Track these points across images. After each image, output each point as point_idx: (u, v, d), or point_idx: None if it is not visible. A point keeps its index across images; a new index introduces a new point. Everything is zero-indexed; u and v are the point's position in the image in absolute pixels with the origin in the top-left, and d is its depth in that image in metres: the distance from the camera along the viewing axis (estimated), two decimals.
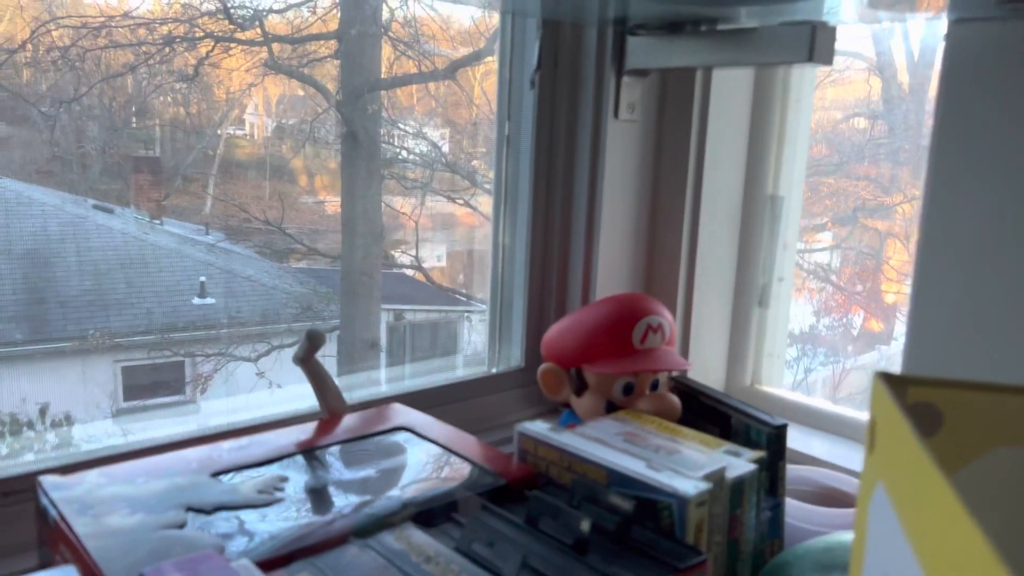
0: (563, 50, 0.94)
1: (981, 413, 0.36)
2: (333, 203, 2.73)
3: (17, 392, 1.96)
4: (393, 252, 2.75)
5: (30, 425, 1.92)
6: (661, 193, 0.99)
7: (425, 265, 3.00)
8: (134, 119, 2.52)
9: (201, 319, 2.59)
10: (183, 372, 2.50)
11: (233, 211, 2.78)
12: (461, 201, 2.71)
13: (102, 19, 2.22)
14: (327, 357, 2.54)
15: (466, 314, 2.83)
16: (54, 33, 2.12)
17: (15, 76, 2.12)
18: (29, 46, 2.07)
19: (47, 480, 0.61)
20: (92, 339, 2.34)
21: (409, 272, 2.94)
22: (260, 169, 2.77)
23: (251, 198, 2.73)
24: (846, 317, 2.35)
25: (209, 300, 2.59)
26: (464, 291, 2.97)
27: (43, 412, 2.03)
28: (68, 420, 2.13)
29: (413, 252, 2.84)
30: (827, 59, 0.79)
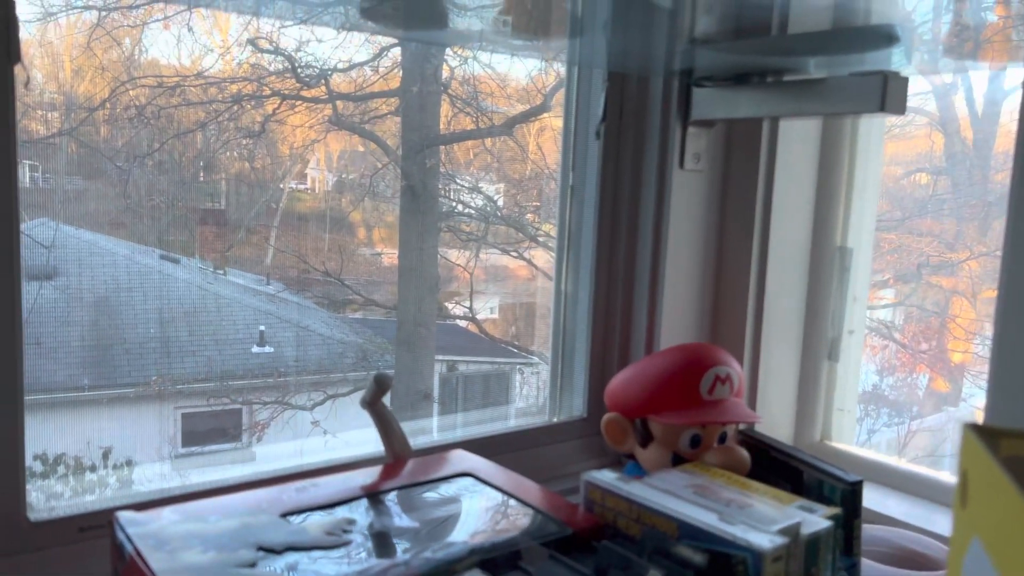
0: (628, 101, 0.95)
1: None
2: (390, 255, 2.78)
3: (82, 436, 2.01)
4: (447, 303, 2.78)
5: (93, 468, 1.96)
6: (727, 243, 0.98)
7: (479, 317, 3.01)
8: (201, 173, 2.63)
9: (259, 367, 2.64)
10: (240, 419, 2.54)
11: (293, 262, 2.85)
12: (515, 254, 2.73)
13: (177, 78, 2.34)
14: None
15: (518, 366, 2.82)
16: (131, 92, 2.23)
17: (94, 133, 2.24)
18: (107, 104, 2.18)
19: (123, 516, 0.62)
20: (154, 385, 2.40)
21: (462, 323, 2.96)
22: (320, 222, 2.84)
23: (311, 250, 2.80)
24: (911, 376, 2.28)
25: (268, 349, 2.64)
26: (517, 343, 2.98)
27: (106, 455, 2.07)
28: (129, 464, 2.17)
29: (467, 304, 2.86)
30: (900, 109, 0.78)
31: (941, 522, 0.90)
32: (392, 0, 0.79)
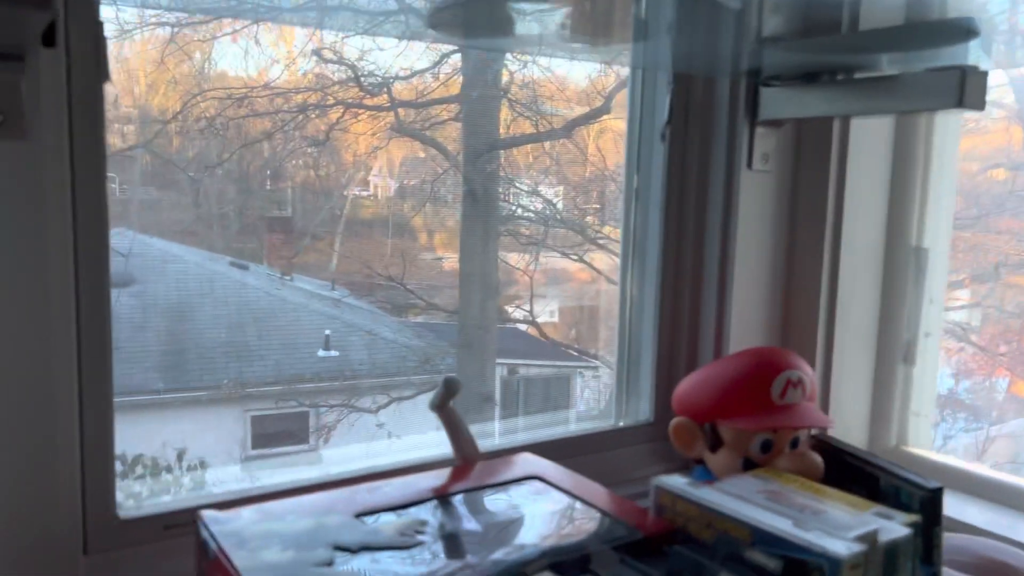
0: (694, 102, 0.95)
1: None
2: (450, 260, 2.81)
3: (158, 437, 2.08)
4: (507, 307, 2.80)
5: (168, 469, 2.03)
6: (798, 244, 0.97)
7: (539, 320, 3.02)
8: (268, 182, 2.70)
9: (325, 371, 2.70)
10: (307, 422, 2.60)
11: (357, 268, 2.91)
12: (575, 256, 2.73)
13: (245, 90, 2.41)
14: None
15: (579, 370, 2.82)
16: (201, 104, 2.31)
17: (167, 144, 2.32)
18: (179, 117, 2.26)
19: (207, 514, 0.64)
20: (225, 388, 2.47)
21: (523, 327, 2.97)
22: (383, 228, 2.89)
23: (374, 255, 2.85)
24: (989, 380, 2.20)
25: (333, 353, 2.70)
26: (577, 346, 2.98)
27: (180, 457, 2.14)
28: (202, 465, 2.24)
29: (527, 307, 2.87)
30: (979, 104, 0.76)
31: None
32: (453, 8, 0.80)
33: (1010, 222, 1.71)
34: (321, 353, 2.71)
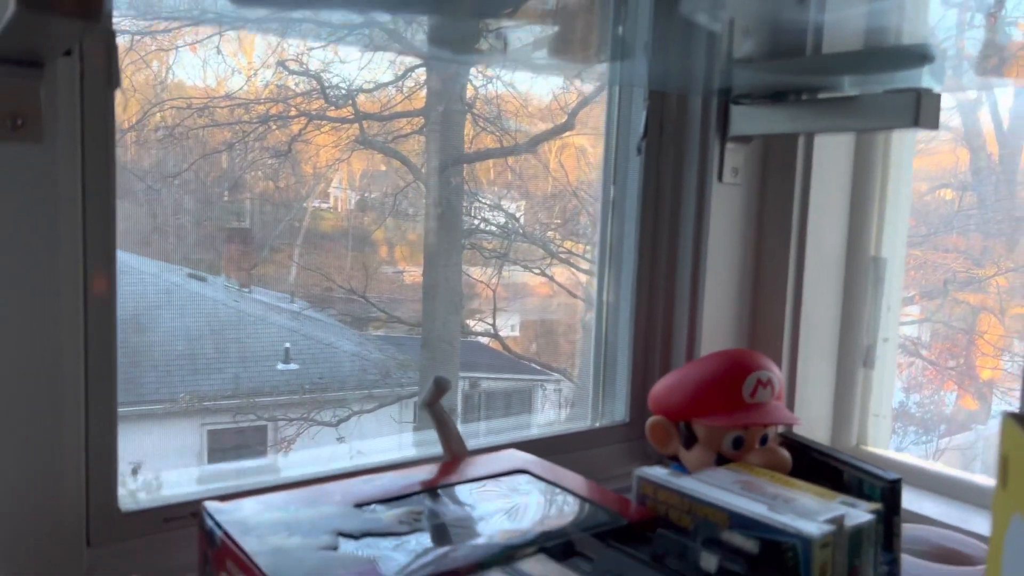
0: (668, 118, 1.00)
1: None
2: (412, 273, 2.82)
3: (118, 455, 2.04)
4: (469, 321, 2.81)
5: (123, 484, 1.99)
6: (764, 253, 1.02)
7: (501, 333, 3.04)
8: (227, 193, 2.69)
9: (285, 384, 2.67)
10: (266, 436, 2.57)
11: (317, 280, 2.90)
12: (537, 270, 2.76)
13: (205, 100, 2.40)
14: (404, 424, 2.59)
15: (540, 383, 2.85)
16: (159, 115, 2.29)
17: (123, 154, 2.30)
18: (137, 125, 2.24)
19: (211, 505, 0.66)
20: (181, 402, 2.44)
21: (485, 340, 2.98)
22: (343, 240, 2.89)
23: (334, 268, 2.84)
24: (938, 394, 2.27)
25: (293, 366, 2.68)
26: (539, 360, 3.00)
27: (135, 472, 2.11)
28: (158, 481, 2.20)
29: (489, 320, 2.89)
30: (933, 124, 0.82)
31: (977, 521, 0.93)
32: (439, 24, 0.84)
33: (957, 240, 1.78)
34: (280, 366, 2.68)
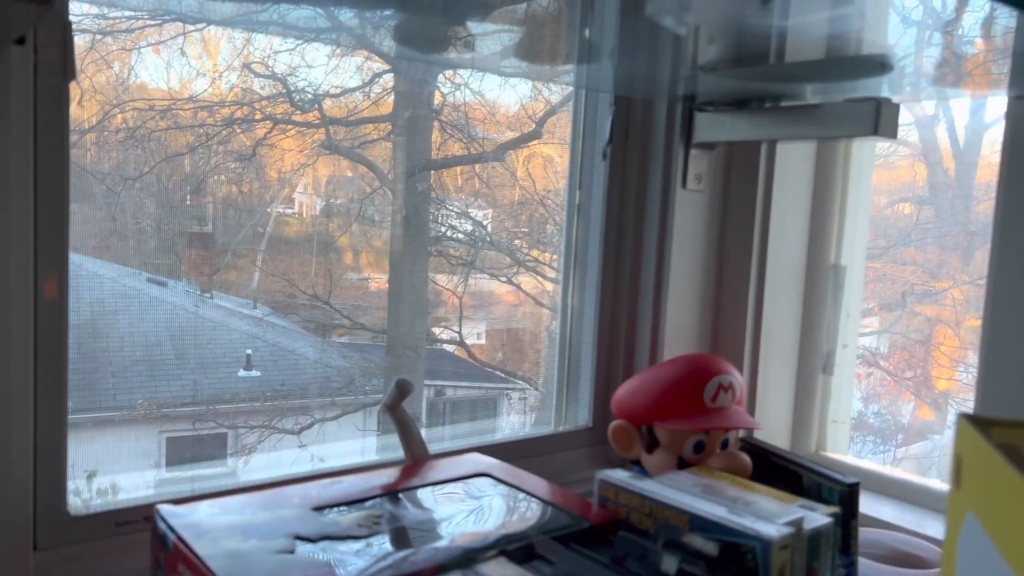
0: (634, 124, 1.00)
1: None
2: (377, 280, 2.80)
3: (67, 459, 1.99)
4: (435, 328, 2.80)
5: (77, 492, 1.95)
6: (727, 259, 1.03)
7: (467, 342, 3.03)
8: (189, 197, 2.64)
9: (246, 391, 2.63)
10: (226, 444, 2.53)
11: (280, 286, 2.86)
12: (504, 279, 2.76)
13: (168, 102, 2.36)
14: (368, 432, 2.56)
15: (506, 391, 2.84)
16: (120, 116, 2.25)
17: (82, 155, 2.25)
18: (97, 127, 2.20)
19: (164, 508, 0.64)
20: (140, 408, 2.39)
21: (451, 348, 2.97)
22: (307, 246, 2.86)
23: (298, 274, 2.81)
24: (895, 404, 2.30)
25: (254, 372, 2.64)
26: (504, 368, 2.99)
27: (90, 479, 2.06)
28: (114, 488, 2.16)
29: (456, 328, 2.88)
30: (892, 133, 0.84)
31: (932, 525, 0.94)
32: (404, 24, 0.83)
33: (915, 253, 1.81)
34: (242, 373, 2.64)
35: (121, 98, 2.29)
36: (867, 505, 0.97)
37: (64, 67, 0.64)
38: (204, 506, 0.66)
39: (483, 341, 3.01)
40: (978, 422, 0.38)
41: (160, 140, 2.38)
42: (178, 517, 0.63)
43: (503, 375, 2.92)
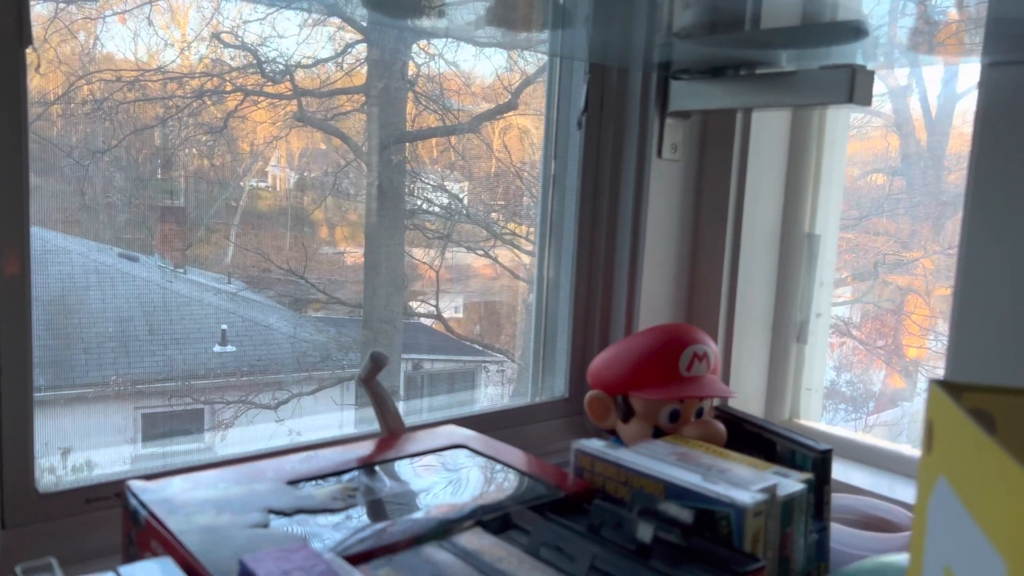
0: (609, 93, 0.99)
1: None
2: (353, 254, 2.78)
3: (40, 436, 1.97)
4: (412, 302, 2.79)
5: (51, 470, 1.93)
6: (702, 229, 1.03)
7: (444, 315, 3.02)
8: (160, 170, 2.59)
9: (221, 367, 2.61)
10: (203, 419, 2.51)
11: (255, 261, 2.83)
12: (481, 252, 2.75)
13: (136, 73, 2.31)
14: (347, 406, 2.56)
15: (484, 364, 2.84)
16: (86, 88, 2.19)
17: (48, 128, 2.19)
18: (63, 99, 2.14)
19: (135, 484, 0.63)
20: (114, 385, 2.36)
21: (428, 322, 2.96)
22: (282, 220, 2.83)
23: (272, 248, 2.78)
24: (867, 372, 2.33)
25: (230, 348, 2.61)
26: (482, 342, 2.99)
27: (64, 456, 2.05)
28: (89, 465, 2.14)
29: (433, 302, 2.87)
30: (866, 100, 0.84)
31: (903, 490, 0.96)
32: None
33: (887, 224, 1.82)
34: (217, 348, 2.62)
35: (87, 69, 2.24)
36: (839, 471, 0.99)
37: (20, 31, 0.61)
38: (176, 481, 0.65)
39: (460, 314, 3.00)
40: (950, 387, 0.38)
41: (129, 112, 2.33)
42: (150, 493, 0.62)
43: (481, 348, 2.93)
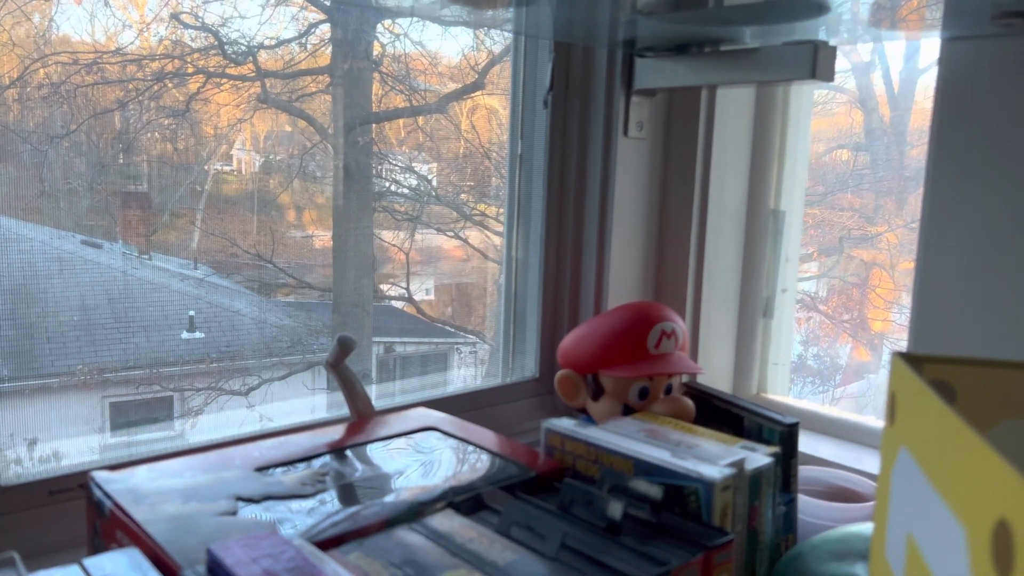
0: (574, 71, 0.99)
1: (990, 389, 0.39)
2: (321, 237, 2.75)
3: (5, 428, 1.94)
4: (383, 285, 2.77)
5: (18, 461, 1.90)
6: (669, 207, 1.03)
7: (415, 298, 3.00)
8: (121, 155, 2.54)
9: (190, 353, 2.58)
10: (172, 407, 2.48)
11: (221, 246, 2.79)
12: (451, 233, 2.74)
13: (94, 55, 2.25)
14: (318, 391, 2.55)
15: (456, 346, 2.84)
16: (43, 71, 2.14)
17: (3, 113, 2.14)
18: (18, 83, 2.09)
19: (99, 475, 0.62)
20: (80, 374, 2.32)
21: (399, 304, 2.95)
22: (248, 204, 2.79)
23: (239, 233, 2.74)
24: (833, 346, 2.35)
25: (198, 334, 2.58)
26: (454, 323, 2.99)
27: (30, 447, 2.01)
28: (56, 456, 2.10)
29: (403, 285, 2.85)
30: (828, 76, 0.84)
31: (868, 461, 0.97)
32: None
33: (852, 199, 1.84)
34: (185, 335, 2.59)
35: (43, 51, 2.18)
36: (806, 444, 1.00)
37: None
38: (142, 471, 0.64)
39: (432, 296, 2.99)
40: (911, 359, 0.39)
41: (87, 96, 2.28)
42: (114, 483, 0.61)
43: (452, 329, 2.92)
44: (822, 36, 0.87)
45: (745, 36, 0.88)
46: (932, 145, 0.88)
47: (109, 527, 0.59)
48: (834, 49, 0.85)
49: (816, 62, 0.83)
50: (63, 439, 2.20)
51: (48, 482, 0.66)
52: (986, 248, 0.84)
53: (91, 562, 0.51)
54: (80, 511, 0.61)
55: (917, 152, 1.60)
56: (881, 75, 1.65)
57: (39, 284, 2.39)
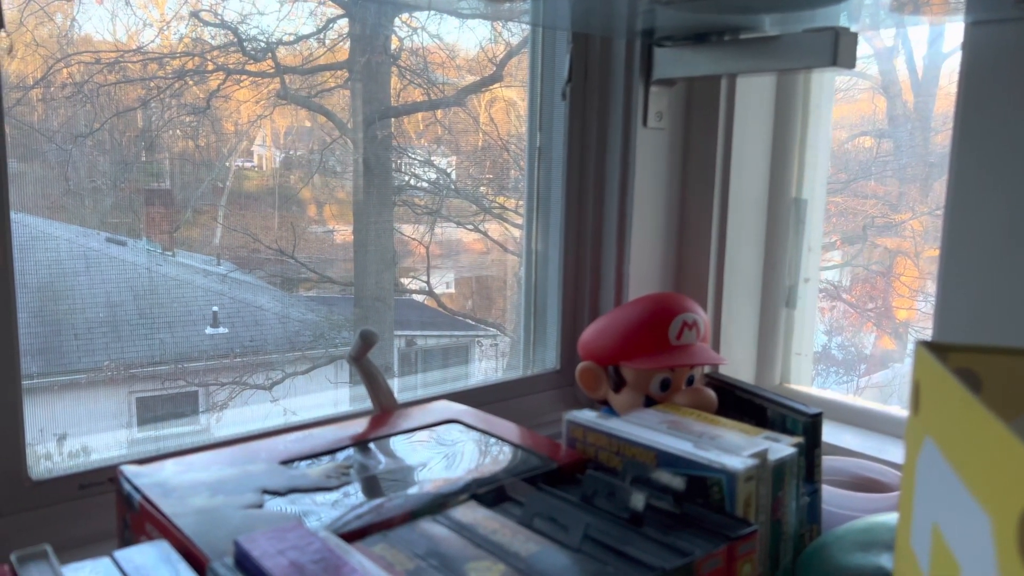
0: (593, 62, 0.98)
1: (1016, 377, 0.39)
2: (342, 232, 2.76)
3: (35, 424, 1.97)
4: (403, 279, 2.78)
5: (48, 456, 1.93)
6: (689, 197, 1.03)
7: (436, 291, 3.01)
8: (144, 153, 2.57)
9: (214, 349, 2.61)
10: (197, 402, 2.51)
11: (243, 241, 2.82)
12: (470, 226, 2.74)
13: (116, 53, 2.27)
14: (341, 385, 2.57)
15: (477, 339, 2.85)
16: (66, 71, 2.16)
17: (29, 113, 2.16)
18: (43, 83, 2.11)
19: (128, 469, 0.63)
20: (106, 370, 2.36)
21: (420, 298, 2.96)
22: (269, 200, 2.81)
23: (260, 228, 2.76)
24: (858, 335, 2.34)
25: (222, 330, 2.61)
26: (475, 316, 2.99)
27: (60, 442, 2.04)
28: (85, 451, 2.14)
29: (424, 278, 2.86)
30: (850, 63, 0.83)
31: (892, 451, 0.97)
32: None
33: (875, 187, 1.82)
34: (209, 330, 2.62)
35: (65, 51, 2.21)
36: (830, 434, 0.99)
37: None
38: (169, 465, 0.65)
39: (452, 290, 3.00)
40: (935, 348, 0.39)
41: (110, 95, 2.30)
42: (143, 477, 0.62)
43: (473, 322, 2.93)
44: (843, 22, 0.86)
45: (765, 24, 0.87)
46: (956, 131, 0.86)
47: (139, 520, 0.60)
48: (855, 35, 0.84)
49: (837, 49, 0.82)
50: (92, 434, 2.24)
51: (78, 476, 0.68)
52: (1012, 234, 0.82)
53: (122, 555, 0.52)
54: (110, 504, 0.62)
55: (942, 138, 1.58)
56: (904, 60, 1.63)
57: (66, 281, 2.43)
